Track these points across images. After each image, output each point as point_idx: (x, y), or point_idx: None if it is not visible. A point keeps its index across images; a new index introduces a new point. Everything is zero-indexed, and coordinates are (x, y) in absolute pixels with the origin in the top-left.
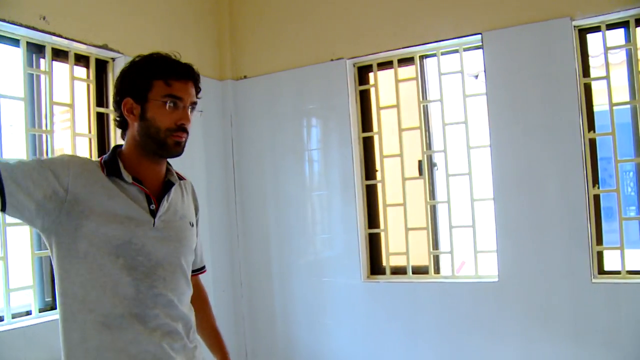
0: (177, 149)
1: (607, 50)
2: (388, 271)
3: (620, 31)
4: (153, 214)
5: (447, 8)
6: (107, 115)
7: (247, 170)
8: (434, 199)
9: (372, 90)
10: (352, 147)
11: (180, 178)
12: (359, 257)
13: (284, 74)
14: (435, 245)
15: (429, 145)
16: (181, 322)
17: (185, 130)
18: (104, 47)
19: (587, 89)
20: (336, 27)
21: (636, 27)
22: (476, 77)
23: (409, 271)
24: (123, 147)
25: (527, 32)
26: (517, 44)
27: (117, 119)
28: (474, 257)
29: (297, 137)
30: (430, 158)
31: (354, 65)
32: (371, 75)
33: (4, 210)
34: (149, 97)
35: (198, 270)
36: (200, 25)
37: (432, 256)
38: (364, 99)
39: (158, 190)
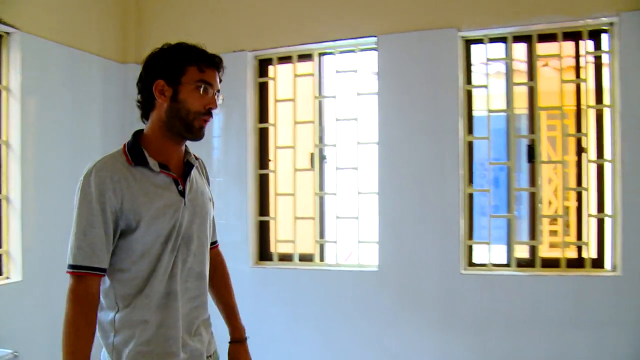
0: (201, 133)
1: (488, 61)
2: (276, 257)
3: (501, 45)
4: (182, 194)
5: (347, 10)
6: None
7: None
8: (322, 190)
9: (271, 83)
10: (248, 137)
11: (195, 158)
12: (249, 243)
13: None
14: (322, 234)
15: (321, 139)
16: (205, 292)
17: (211, 114)
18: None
19: (469, 95)
20: (241, 20)
21: (514, 42)
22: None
23: (296, 258)
24: (146, 130)
25: (418, 38)
26: (408, 49)
27: (140, 100)
28: (357, 247)
29: None
30: (321, 151)
31: (255, 58)
32: (271, 68)
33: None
34: (182, 80)
35: (215, 242)
36: (104, 4)
37: (318, 245)
38: (263, 91)
39: (181, 170)
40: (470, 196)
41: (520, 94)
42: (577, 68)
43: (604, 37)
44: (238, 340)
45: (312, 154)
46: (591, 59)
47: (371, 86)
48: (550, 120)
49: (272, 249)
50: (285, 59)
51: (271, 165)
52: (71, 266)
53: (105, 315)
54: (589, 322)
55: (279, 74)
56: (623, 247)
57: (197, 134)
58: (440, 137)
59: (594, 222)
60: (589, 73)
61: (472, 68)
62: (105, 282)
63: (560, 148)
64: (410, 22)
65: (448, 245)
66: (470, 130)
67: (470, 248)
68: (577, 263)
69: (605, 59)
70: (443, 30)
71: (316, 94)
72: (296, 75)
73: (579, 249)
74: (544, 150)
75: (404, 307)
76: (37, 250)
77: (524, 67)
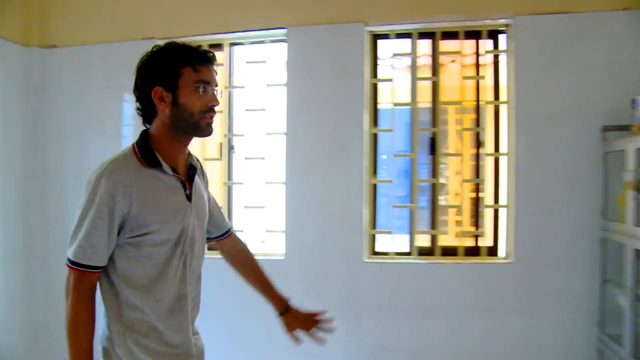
0: (209, 129)
1: (394, 56)
2: None
3: (407, 41)
4: (189, 198)
5: (258, 1)
6: None
7: (50, 145)
8: (230, 180)
9: None
10: None
11: (197, 161)
12: None
13: (96, 47)
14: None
15: (229, 129)
16: (200, 292)
17: (214, 111)
18: None
19: (375, 89)
20: (149, 7)
21: (419, 38)
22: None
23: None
24: (152, 131)
25: (327, 31)
26: (317, 41)
27: (140, 107)
28: (265, 236)
29: (108, 111)
30: (229, 141)
31: None
32: None
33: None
34: (179, 84)
35: (229, 230)
36: None
37: None
38: None
39: (186, 173)
40: (374, 187)
41: (425, 88)
42: (477, 65)
43: (502, 37)
44: (286, 309)
45: (220, 144)
46: (490, 57)
47: (280, 77)
48: (455, 114)
49: None
50: None
51: None
52: (71, 262)
53: (113, 320)
54: (485, 307)
55: None
56: (515, 235)
57: (206, 131)
58: (346, 129)
59: (490, 213)
60: (487, 71)
61: (379, 62)
62: (112, 286)
63: (461, 141)
64: (319, 15)
65: (352, 234)
66: (375, 122)
67: (373, 237)
68: (475, 251)
69: (502, 57)
70: (351, 25)
71: (226, 84)
72: None
73: (477, 237)
74: (450, 143)
75: (310, 295)
76: None
77: (428, 62)
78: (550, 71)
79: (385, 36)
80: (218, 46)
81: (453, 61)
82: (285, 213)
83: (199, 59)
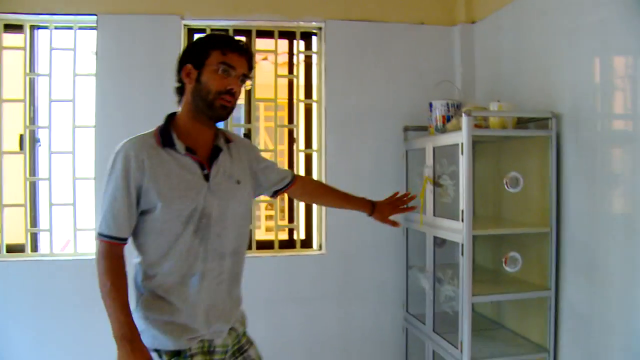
0: (223, 112)
1: None
2: None
3: None
4: (207, 177)
5: None
6: None
7: None
8: (35, 175)
9: None
10: None
11: (229, 140)
12: None
13: None
14: (34, 223)
15: (32, 120)
16: (229, 274)
17: (233, 95)
18: None
19: None
20: None
21: (235, 35)
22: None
23: (3, 249)
24: (178, 113)
25: (141, 22)
26: (131, 31)
27: (176, 85)
28: (74, 235)
29: None
30: (33, 133)
31: None
32: None
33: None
34: (206, 62)
35: (292, 180)
36: None
37: (29, 234)
38: None
39: (208, 154)
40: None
41: None
42: (290, 65)
43: (314, 39)
44: (373, 207)
45: (21, 136)
46: (302, 57)
47: (90, 67)
48: (267, 111)
49: None
50: None
51: None
52: (99, 234)
53: (134, 287)
54: (302, 297)
55: None
56: (327, 228)
57: (219, 112)
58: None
59: (303, 207)
60: (300, 70)
61: None
62: (136, 254)
63: (271, 139)
64: (134, 4)
65: None
66: None
67: None
68: (289, 244)
69: (314, 58)
70: (167, 17)
71: (27, 71)
72: (2, 48)
73: (291, 231)
74: (261, 140)
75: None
76: None
77: None
78: (358, 74)
79: (202, 31)
80: (18, 27)
81: (265, 59)
82: (95, 210)
83: (229, 45)
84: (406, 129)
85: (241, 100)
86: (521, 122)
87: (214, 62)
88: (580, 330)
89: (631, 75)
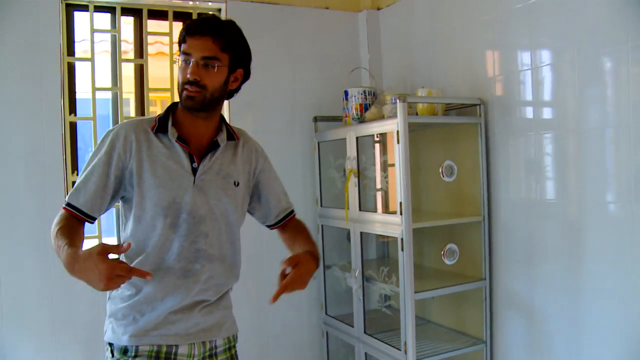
0: (188, 102)
1: (93, 32)
2: None
3: (108, 16)
4: (195, 171)
5: None
6: None
7: None
8: None
9: None
10: None
11: (233, 138)
12: None
13: None
14: None
15: None
16: (219, 278)
17: (193, 83)
18: None
19: (70, 70)
20: None
21: (122, 15)
22: None
23: None
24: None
25: None
26: None
27: None
28: None
29: None
30: None
31: None
32: None
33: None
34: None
35: (284, 219)
36: None
37: None
38: None
39: (204, 148)
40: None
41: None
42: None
43: None
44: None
45: None
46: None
47: None
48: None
49: None
50: None
51: None
52: (66, 203)
53: None
54: None
55: None
56: None
57: (185, 104)
58: (39, 114)
59: None
60: None
61: (75, 39)
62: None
63: None
64: None
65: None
66: (73, 110)
67: None
68: None
69: None
70: None
71: None
72: None
73: None
74: None
75: None
76: None
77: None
78: (261, 60)
79: (84, 8)
80: None
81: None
82: None
83: (186, 31)
84: (316, 120)
85: (131, 92)
86: (448, 109)
87: (179, 53)
88: (517, 319)
89: (555, 63)
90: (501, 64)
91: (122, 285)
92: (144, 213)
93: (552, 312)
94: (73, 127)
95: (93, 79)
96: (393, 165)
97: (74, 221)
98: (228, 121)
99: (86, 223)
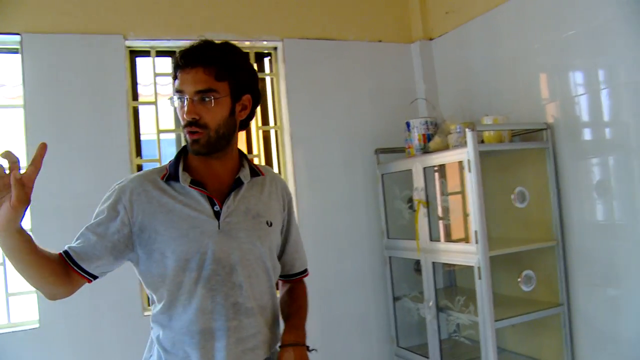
0: (193, 147)
1: (156, 76)
2: None
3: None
4: (218, 215)
5: None
6: None
7: None
8: None
9: None
10: None
11: (258, 174)
12: None
13: None
14: None
15: None
16: (265, 332)
17: (193, 124)
18: None
19: (135, 113)
20: None
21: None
22: None
23: None
24: None
25: (76, 42)
26: (63, 54)
27: None
28: (6, 301)
29: None
30: None
31: None
32: None
33: (95, 279)
34: None
35: (294, 275)
36: None
37: None
38: None
39: (225, 188)
40: None
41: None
42: None
43: (266, 62)
44: (286, 344)
45: None
46: None
47: (13, 96)
48: None
49: None
50: None
51: None
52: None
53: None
54: None
55: None
56: None
57: (192, 148)
58: (107, 159)
59: None
60: None
61: (139, 82)
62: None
63: None
64: (66, 21)
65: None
66: (138, 152)
67: None
68: None
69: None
70: (107, 37)
71: None
72: None
73: None
74: None
75: None
76: None
77: None
78: (320, 96)
79: (146, 53)
80: None
81: None
82: None
83: (176, 66)
84: (378, 152)
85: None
86: (513, 135)
87: (173, 92)
88: (597, 345)
89: (614, 84)
90: (562, 87)
91: (162, 349)
92: (166, 271)
93: (635, 337)
94: (139, 169)
95: (157, 121)
96: (459, 193)
97: (55, 256)
98: (286, 155)
99: (82, 279)
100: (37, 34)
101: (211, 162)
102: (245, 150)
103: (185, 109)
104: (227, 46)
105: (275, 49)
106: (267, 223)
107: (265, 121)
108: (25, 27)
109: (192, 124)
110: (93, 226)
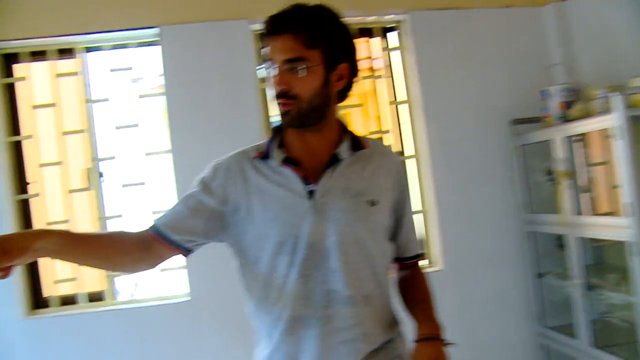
0: (284, 119)
1: None
2: (54, 302)
3: None
4: (312, 195)
5: None
6: None
7: None
8: (103, 213)
9: (23, 85)
10: None
11: (361, 147)
12: (15, 289)
13: None
14: None
15: (95, 152)
16: (366, 322)
17: (283, 95)
18: None
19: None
20: None
21: None
22: (136, 81)
23: (82, 300)
24: None
25: (207, 30)
26: (197, 42)
27: None
28: (160, 275)
29: None
30: (97, 166)
31: None
32: (20, 66)
33: (187, 255)
34: None
35: (409, 259)
36: None
37: (109, 279)
38: (12, 95)
39: (323, 166)
40: None
41: None
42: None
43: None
44: (422, 338)
45: (88, 170)
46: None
47: (154, 85)
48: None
49: (49, 292)
50: (39, 54)
51: (34, 188)
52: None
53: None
54: None
55: (33, 73)
56: (442, 242)
57: (282, 120)
58: (241, 139)
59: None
60: (384, 70)
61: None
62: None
63: None
64: (197, 11)
65: None
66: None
67: None
68: None
69: (392, 56)
70: (234, 22)
71: (84, 98)
72: (58, 75)
73: None
74: None
75: (227, 336)
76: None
77: None
78: (452, 66)
79: None
80: (68, 52)
81: None
82: None
83: (264, 32)
84: (513, 123)
85: None
86: None
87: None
88: None
89: None
90: None
91: (260, 343)
92: (260, 253)
93: None
94: None
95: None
96: (604, 163)
97: (136, 234)
98: (419, 130)
99: (175, 252)
100: (172, 25)
101: (307, 137)
102: (376, 127)
103: (275, 79)
104: (319, 9)
105: (399, 22)
106: (370, 202)
107: (393, 97)
108: (162, 20)
109: (282, 95)
110: (187, 200)
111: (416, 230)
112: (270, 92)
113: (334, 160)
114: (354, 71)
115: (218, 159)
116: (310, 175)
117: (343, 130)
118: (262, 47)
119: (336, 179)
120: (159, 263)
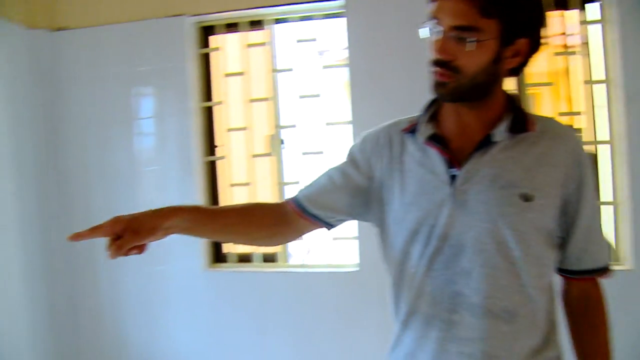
0: (438, 90)
1: None
2: (232, 259)
3: None
4: (454, 180)
5: None
6: None
7: (67, 141)
8: (282, 179)
9: (216, 55)
10: (190, 118)
11: (524, 129)
12: (199, 243)
13: (111, 28)
14: None
15: (278, 119)
16: (496, 345)
17: (443, 65)
18: None
19: None
20: None
21: None
22: (321, 53)
23: (256, 259)
24: None
25: (392, 1)
26: (380, 14)
27: None
28: (331, 244)
29: (125, 103)
30: (279, 134)
31: (195, 25)
32: (215, 37)
33: (329, 229)
34: None
35: (581, 273)
36: None
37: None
38: (207, 64)
39: (473, 147)
40: None
41: None
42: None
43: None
44: None
45: (271, 137)
46: (577, 30)
47: (338, 57)
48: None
49: (228, 248)
50: (232, 26)
51: (221, 151)
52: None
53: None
54: None
55: (227, 43)
56: (635, 238)
57: (434, 91)
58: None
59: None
60: (579, 46)
61: None
62: None
63: None
64: None
65: None
66: None
67: None
68: None
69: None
70: None
71: (272, 67)
72: (248, 45)
73: None
74: None
75: (389, 312)
76: None
77: None
78: None
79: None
80: (258, 23)
81: None
82: None
83: None
84: None
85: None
86: None
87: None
88: None
89: None
90: None
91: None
92: (396, 239)
93: None
94: None
95: None
96: None
97: (275, 207)
98: (618, 114)
99: (318, 227)
100: None
101: (462, 112)
102: (567, 109)
103: (438, 45)
104: None
105: None
106: (523, 197)
107: (589, 76)
108: None
109: (442, 64)
110: (333, 173)
111: (603, 239)
112: (429, 56)
113: (485, 142)
114: (534, 47)
115: (368, 133)
116: (456, 157)
117: (510, 108)
118: (430, 1)
119: (485, 165)
120: (299, 237)
